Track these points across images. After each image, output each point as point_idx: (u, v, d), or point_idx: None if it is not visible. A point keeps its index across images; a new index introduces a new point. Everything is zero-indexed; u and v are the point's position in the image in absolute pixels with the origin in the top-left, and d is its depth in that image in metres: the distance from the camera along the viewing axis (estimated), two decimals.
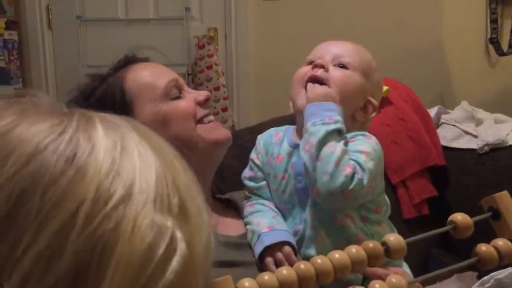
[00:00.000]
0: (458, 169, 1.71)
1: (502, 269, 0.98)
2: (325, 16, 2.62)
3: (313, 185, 0.93)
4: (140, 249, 0.33)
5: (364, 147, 0.96)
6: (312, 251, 0.99)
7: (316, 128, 0.94)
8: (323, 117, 0.94)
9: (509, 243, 0.60)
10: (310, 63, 1.05)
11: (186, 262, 0.35)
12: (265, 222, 1.01)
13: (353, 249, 0.53)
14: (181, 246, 0.35)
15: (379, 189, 1.00)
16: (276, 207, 1.06)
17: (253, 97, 2.75)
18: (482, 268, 0.60)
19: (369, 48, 1.11)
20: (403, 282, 0.56)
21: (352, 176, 0.91)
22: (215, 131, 1.05)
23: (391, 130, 1.64)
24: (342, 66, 1.03)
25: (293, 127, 1.09)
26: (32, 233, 0.32)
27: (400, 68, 2.35)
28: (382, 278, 0.60)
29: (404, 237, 1.02)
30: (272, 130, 1.12)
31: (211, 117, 1.08)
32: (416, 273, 1.05)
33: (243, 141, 1.45)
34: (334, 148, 0.92)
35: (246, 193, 1.10)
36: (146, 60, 1.12)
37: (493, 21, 2.53)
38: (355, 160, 0.93)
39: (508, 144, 1.67)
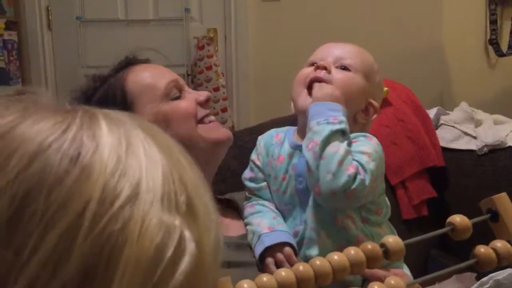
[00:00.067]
0: (457, 170, 1.72)
1: (501, 270, 0.98)
2: (325, 17, 2.63)
3: (315, 184, 0.94)
4: (149, 251, 0.32)
5: (366, 148, 0.96)
6: (312, 252, 0.99)
7: (320, 127, 0.94)
8: (328, 117, 0.95)
9: (507, 244, 0.60)
10: (312, 64, 1.06)
11: (195, 262, 0.34)
12: (265, 222, 1.01)
13: (352, 251, 0.53)
14: (190, 246, 0.34)
15: (379, 190, 1.00)
16: (277, 208, 1.06)
17: (252, 98, 2.75)
18: (480, 270, 0.60)
19: (369, 49, 1.11)
20: (401, 284, 0.56)
21: (355, 176, 0.91)
22: (215, 131, 1.06)
23: (390, 131, 1.64)
24: (344, 68, 1.03)
25: (294, 128, 1.10)
26: (37, 236, 0.30)
27: (400, 69, 2.35)
28: (382, 280, 0.60)
29: (403, 238, 1.02)
30: (272, 131, 1.13)
31: (212, 117, 1.08)
32: (415, 274, 1.05)
33: (243, 142, 1.45)
34: (338, 147, 0.92)
35: (247, 194, 1.10)
36: (146, 61, 1.12)
37: (493, 22, 2.54)
38: (357, 161, 0.93)
39: (507, 145, 1.68)
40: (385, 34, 2.57)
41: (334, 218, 0.98)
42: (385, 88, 1.57)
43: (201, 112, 1.05)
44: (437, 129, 1.81)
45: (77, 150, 0.34)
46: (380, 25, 2.59)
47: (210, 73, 2.57)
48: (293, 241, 0.99)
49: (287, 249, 0.96)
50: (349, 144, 0.95)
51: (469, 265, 0.60)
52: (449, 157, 1.73)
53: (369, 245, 0.55)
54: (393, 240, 0.56)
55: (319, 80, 1.02)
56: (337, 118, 0.95)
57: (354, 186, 0.91)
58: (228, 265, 0.93)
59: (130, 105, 1.01)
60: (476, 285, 1.07)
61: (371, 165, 0.94)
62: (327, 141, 0.93)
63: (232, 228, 1.06)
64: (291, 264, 0.94)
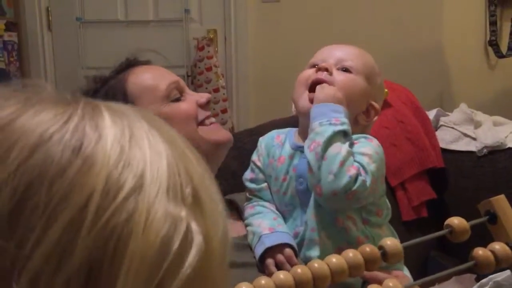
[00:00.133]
0: (457, 172, 1.72)
1: (500, 271, 0.98)
2: (325, 18, 2.63)
3: (317, 184, 0.94)
4: (155, 243, 0.31)
5: (367, 149, 0.97)
6: (312, 253, 1.00)
7: (323, 128, 0.94)
8: (330, 118, 0.95)
9: (506, 247, 0.60)
10: (313, 66, 1.06)
11: (203, 255, 0.33)
12: (266, 223, 1.01)
13: (350, 253, 0.53)
14: (197, 239, 0.33)
15: (380, 191, 1.01)
16: (277, 209, 1.07)
17: (252, 99, 2.75)
18: (479, 272, 0.60)
19: (369, 51, 1.11)
20: (399, 286, 0.56)
21: (356, 177, 0.91)
22: (216, 132, 1.06)
23: (390, 133, 1.64)
24: (346, 69, 1.04)
25: (295, 129, 1.10)
26: (40, 229, 0.30)
27: (400, 70, 2.36)
28: (381, 282, 0.60)
29: (403, 239, 1.02)
30: (273, 132, 1.13)
31: (212, 119, 1.08)
32: (415, 275, 1.05)
33: (243, 143, 1.45)
34: (340, 148, 0.92)
35: (247, 194, 1.11)
36: (147, 63, 1.13)
37: (492, 23, 2.54)
38: (358, 162, 0.94)
39: (507, 146, 1.68)
40: (385, 35, 2.58)
41: (335, 219, 0.98)
42: (385, 90, 1.57)
43: (202, 114, 1.05)
44: (436, 130, 1.81)
45: (79, 140, 0.33)
46: (380, 26, 2.59)
47: (210, 74, 2.57)
48: (294, 242, 0.99)
49: (288, 250, 0.97)
50: (351, 146, 0.96)
51: (467, 267, 0.60)
52: (449, 159, 1.73)
53: (367, 248, 0.55)
54: (391, 242, 0.56)
55: (321, 81, 1.02)
56: (339, 119, 0.95)
57: (355, 187, 0.91)
58: (228, 265, 0.93)
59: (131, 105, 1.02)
60: (475, 286, 1.07)
61: (372, 167, 0.94)
62: (329, 142, 0.93)
63: (233, 229, 1.06)
64: (292, 265, 0.95)
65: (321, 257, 0.96)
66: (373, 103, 1.05)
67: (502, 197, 0.64)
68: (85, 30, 2.76)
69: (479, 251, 0.60)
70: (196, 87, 2.55)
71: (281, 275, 0.49)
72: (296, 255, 0.98)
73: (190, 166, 0.36)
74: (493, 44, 2.53)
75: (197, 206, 0.35)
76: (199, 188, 0.35)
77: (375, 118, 1.07)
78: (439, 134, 1.78)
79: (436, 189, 1.70)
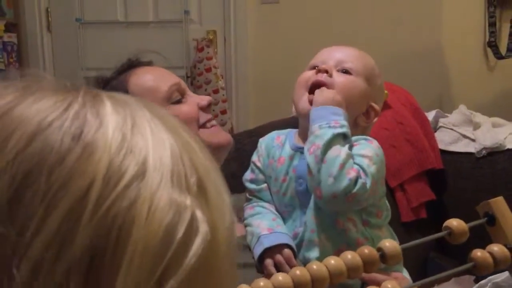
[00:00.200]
0: (456, 173, 1.72)
1: (499, 272, 0.98)
2: (324, 19, 2.63)
3: (317, 187, 0.94)
4: (159, 231, 0.31)
5: (367, 151, 0.97)
6: (312, 254, 1.00)
7: (322, 131, 0.95)
8: (330, 121, 0.95)
9: (504, 248, 0.60)
10: (313, 68, 1.06)
11: (208, 245, 0.32)
12: (265, 224, 1.02)
13: (349, 255, 0.53)
14: (202, 227, 0.32)
15: (380, 193, 1.01)
16: (277, 210, 1.07)
17: (252, 100, 2.75)
18: (478, 274, 0.61)
19: (368, 52, 1.11)
20: None
21: (356, 180, 0.92)
22: (217, 135, 1.06)
23: (389, 134, 1.64)
24: (345, 71, 1.04)
25: (295, 130, 1.10)
26: (40, 217, 0.29)
27: (399, 71, 2.36)
28: (380, 284, 0.60)
29: (402, 240, 1.03)
30: (274, 133, 1.13)
31: (213, 122, 1.08)
32: (414, 277, 1.06)
33: (242, 144, 1.46)
34: (339, 151, 0.93)
35: (247, 195, 1.11)
36: (149, 63, 1.13)
37: (492, 24, 2.54)
38: (358, 164, 0.94)
39: (506, 148, 1.68)
40: (384, 36, 2.58)
41: (335, 221, 0.99)
42: (385, 91, 1.57)
43: (203, 117, 1.06)
44: (435, 131, 1.81)
45: (79, 128, 0.32)
46: (379, 27, 2.59)
47: (209, 75, 2.57)
48: (292, 243, 0.99)
49: (286, 251, 0.97)
50: (350, 148, 0.96)
51: (466, 269, 0.60)
52: (448, 160, 1.73)
53: (366, 250, 0.55)
54: (390, 244, 0.56)
55: (320, 83, 1.02)
56: (339, 122, 0.95)
57: (355, 189, 0.91)
58: None
59: None
60: (475, 287, 1.07)
61: (372, 169, 0.94)
62: (328, 145, 0.93)
63: None
64: (290, 266, 0.95)
65: (321, 258, 0.97)
66: (373, 104, 1.05)
67: (500, 199, 0.64)
68: (85, 31, 2.75)
69: (478, 253, 0.60)
70: (195, 88, 2.55)
71: (280, 277, 0.49)
72: (295, 255, 0.98)
73: (194, 156, 0.36)
74: (492, 45, 2.53)
75: (203, 196, 0.34)
76: (204, 178, 0.35)
77: (375, 119, 1.07)
78: (438, 135, 1.79)
79: (435, 190, 1.70)
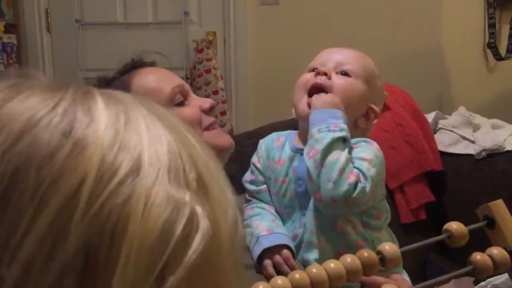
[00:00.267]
0: (456, 175, 1.72)
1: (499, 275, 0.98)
2: (324, 20, 2.63)
3: (316, 191, 0.94)
4: (155, 228, 0.30)
5: (366, 154, 0.97)
6: (310, 255, 1.00)
7: (321, 135, 0.94)
8: (329, 124, 0.95)
9: (504, 251, 0.60)
10: (313, 70, 1.06)
11: (210, 240, 0.31)
12: (264, 225, 1.02)
13: (348, 258, 0.53)
14: (203, 223, 0.31)
15: (380, 195, 1.01)
16: (276, 211, 1.07)
17: (251, 101, 2.75)
18: (478, 277, 0.61)
19: (368, 53, 1.11)
20: None
21: (355, 184, 0.91)
22: (219, 137, 1.06)
23: (389, 136, 1.64)
24: (345, 73, 1.04)
25: (295, 132, 1.10)
26: (30, 216, 0.28)
27: (399, 72, 2.36)
28: (380, 286, 0.60)
29: (402, 242, 1.03)
30: (274, 135, 1.13)
31: (216, 125, 1.09)
32: (414, 278, 1.06)
33: (242, 146, 1.46)
34: (339, 156, 0.92)
35: (247, 196, 1.11)
36: (152, 64, 1.13)
37: (491, 26, 2.54)
38: (358, 168, 0.94)
39: (505, 149, 1.68)
40: (384, 37, 2.58)
41: (334, 223, 0.99)
42: (384, 93, 1.57)
43: (207, 120, 1.05)
44: (435, 133, 1.82)
45: (69, 124, 0.31)
46: (379, 28, 2.59)
47: (209, 76, 2.57)
48: (292, 244, 1.00)
49: (285, 252, 0.97)
50: (350, 151, 0.96)
51: (466, 272, 0.60)
52: (447, 162, 1.73)
53: (366, 253, 0.55)
54: (389, 247, 0.56)
55: (319, 86, 1.02)
56: (338, 125, 0.95)
57: (354, 194, 0.91)
58: None
59: None
60: None
61: (371, 172, 0.94)
62: (328, 149, 0.93)
63: None
64: (289, 267, 0.95)
65: (320, 260, 0.97)
66: (373, 106, 1.05)
67: (500, 202, 0.64)
68: (84, 32, 2.76)
69: (477, 256, 0.60)
70: (195, 89, 2.55)
71: (279, 280, 0.49)
72: (294, 256, 0.98)
73: (194, 152, 0.35)
74: (492, 46, 2.53)
75: (203, 192, 0.33)
76: (204, 174, 0.34)
77: (375, 121, 1.07)
78: (438, 137, 1.79)
79: (435, 192, 1.70)
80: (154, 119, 0.35)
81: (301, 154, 1.02)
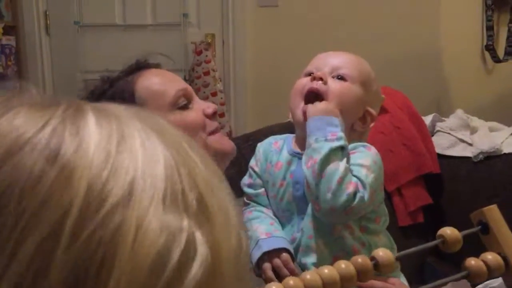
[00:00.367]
0: (453, 177, 1.72)
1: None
2: (322, 23, 2.63)
3: (315, 201, 0.94)
4: (147, 259, 0.28)
5: (365, 160, 0.96)
6: (308, 260, 1.00)
7: (319, 144, 0.94)
8: (326, 133, 0.95)
9: (498, 257, 0.60)
10: (309, 74, 1.05)
11: (209, 267, 0.29)
12: (263, 228, 1.02)
13: (342, 264, 0.54)
14: (201, 250, 0.29)
15: (379, 199, 1.01)
16: (274, 214, 1.07)
17: (250, 103, 2.75)
18: (472, 282, 0.61)
19: (366, 55, 1.11)
20: None
21: (355, 194, 0.91)
22: (223, 142, 1.06)
23: (387, 138, 1.65)
24: (341, 78, 1.03)
25: (292, 135, 1.10)
26: (10, 249, 0.27)
27: (397, 75, 2.36)
28: None
29: (399, 244, 1.03)
30: (271, 138, 1.13)
31: (219, 130, 1.09)
32: (412, 281, 1.06)
33: (240, 148, 1.45)
34: (337, 166, 0.92)
35: (245, 199, 1.11)
36: (157, 66, 1.12)
37: (489, 28, 2.55)
38: (356, 176, 0.94)
39: (503, 152, 1.68)
40: (382, 40, 2.58)
41: (332, 228, 0.99)
42: (381, 96, 1.58)
43: (211, 125, 1.05)
44: (433, 136, 1.82)
45: (55, 147, 0.29)
46: (377, 31, 2.60)
47: (207, 78, 2.57)
48: (290, 247, 1.00)
49: (284, 255, 0.97)
50: (348, 158, 0.95)
51: (461, 277, 0.61)
52: (445, 164, 1.73)
53: (360, 259, 0.55)
54: (383, 253, 0.56)
55: (315, 91, 1.02)
56: (336, 134, 0.95)
57: (353, 204, 0.91)
58: None
59: None
60: None
61: (370, 179, 0.94)
62: (326, 160, 0.92)
63: None
64: (289, 270, 0.96)
65: (318, 264, 0.97)
66: (370, 109, 1.05)
67: (494, 207, 0.64)
68: (83, 34, 2.76)
69: (472, 261, 0.60)
70: (194, 91, 2.55)
71: (274, 286, 0.49)
72: (293, 260, 0.99)
73: (195, 170, 0.32)
74: (490, 48, 2.54)
75: (203, 213, 0.31)
76: (205, 194, 0.32)
77: (372, 124, 1.07)
78: (436, 139, 1.79)
79: (432, 194, 1.70)
80: (151, 135, 0.33)
81: (299, 158, 1.02)
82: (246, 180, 1.12)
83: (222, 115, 2.57)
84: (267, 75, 2.69)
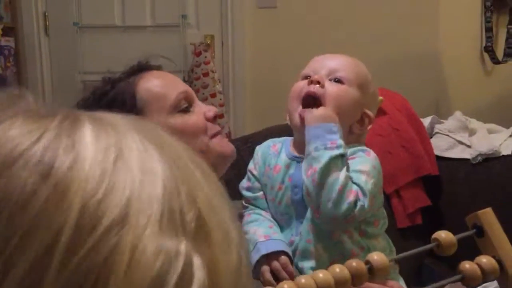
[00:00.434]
0: (452, 179, 1.72)
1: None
2: (321, 24, 2.64)
3: (316, 210, 0.94)
4: (142, 284, 0.26)
5: (364, 166, 0.96)
6: (306, 263, 1.00)
7: (318, 153, 0.94)
8: (325, 141, 0.94)
9: (492, 260, 0.60)
10: (306, 77, 1.05)
11: None
12: (261, 231, 1.02)
13: (337, 268, 0.54)
14: (199, 274, 0.28)
15: (378, 203, 1.01)
16: (273, 217, 1.07)
17: (249, 104, 2.75)
18: (467, 286, 0.61)
19: (364, 57, 1.11)
20: None
21: (355, 203, 0.91)
22: (225, 145, 1.06)
23: (385, 140, 1.65)
24: (338, 80, 1.03)
25: (290, 138, 1.10)
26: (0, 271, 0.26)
27: (395, 76, 2.36)
28: None
29: (398, 246, 1.03)
30: (270, 141, 1.13)
31: (220, 132, 1.09)
32: (409, 282, 1.06)
33: (239, 150, 1.45)
34: (338, 175, 0.92)
35: (243, 203, 1.11)
36: (159, 68, 1.12)
37: (488, 29, 2.55)
38: (356, 183, 0.93)
39: (501, 154, 1.69)
40: (381, 41, 2.58)
41: (331, 233, 0.99)
42: (380, 97, 1.58)
43: (213, 128, 1.05)
44: (431, 137, 1.82)
45: (50, 162, 0.28)
46: (376, 33, 2.60)
47: (207, 79, 2.57)
48: (289, 250, 1.00)
49: (283, 258, 0.97)
50: (348, 167, 0.95)
51: (455, 280, 0.61)
52: (444, 166, 1.73)
53: (354, 263, 0.55)
54: (378, 257, 0.56)
55: (312, 95, 1.02)
56: (335, 141, 0.94)
57: (354, 212, 0.91)
58: None
59: (139, 111, 1.01)
60: None
61: (369, 185, 0.94)
62: (326, 169, 0.92)
63: None
64: (287, 273, 0.96)
65: (316, 268, 0.97)
66: (367, 111, 1.05)
67: (489, 210, 0.64)
68: (82, 35, 2.76)
69: (466, 265, 0.60)
70: None
71: None
72: (292, 263, 0.99)
73: (195, 187, 0.31)
74: (489, 50, 2.54)
75: (202, 234, 0.30)
76: (206, 214, 0.30)
77: (370, 126, 1.06)
78: (434, 141, 1.79)
79: (431, 196, 1.70)
80: (150, 149, 0.31)
81: (298, 161, 1.02)
82: (244, 183, 1.12)
83: (221, 116, 2.57)
84: (266, 76, 2.69)
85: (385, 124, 1.67)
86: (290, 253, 0.99)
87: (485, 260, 0.60)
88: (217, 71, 2.62)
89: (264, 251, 0.98)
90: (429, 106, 2.52)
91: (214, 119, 1.07)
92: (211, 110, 1.07)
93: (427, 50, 2.61)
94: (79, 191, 0.27)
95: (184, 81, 2.63)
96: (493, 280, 0.63)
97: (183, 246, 0.28)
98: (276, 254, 0.98)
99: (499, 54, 2.51)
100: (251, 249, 1.00)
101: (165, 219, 0.28)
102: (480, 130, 1.77)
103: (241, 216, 1.10)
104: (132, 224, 0.27)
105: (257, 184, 1.10)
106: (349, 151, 0.98)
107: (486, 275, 0.59)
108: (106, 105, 1.02)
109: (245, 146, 1.50)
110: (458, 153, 1.74)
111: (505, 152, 1.69)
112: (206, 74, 2.57)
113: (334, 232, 0.98)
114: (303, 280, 0.51)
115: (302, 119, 1.01)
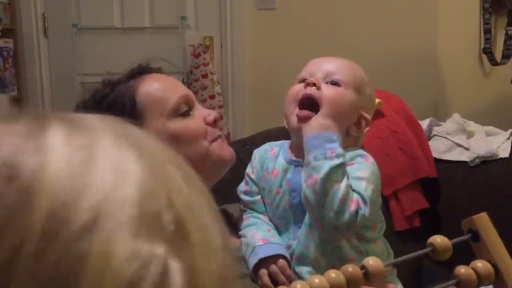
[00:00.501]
0: (450, 181, 1.72)
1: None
2: (320, 25, 2.64)
3: (317, 220, 0.94)
4: None
5: (363, 172, 0.96)
6: (303, 268, 1.00)
7: (318, 163, 0.93)
8: (325, 151, 0.94)
9: (488, 264, 0.61)
10: (302, 80, 1.05)
11: None
12: (259, 235, 1.02)
13: (333, 273, 0.54)
14: (176, 279, 0.27)
15: (377, 207, 1.01)
16: (271, 221, 1.07)
17: (248, 106, 2.76)
18: None
19: (363, 59, 1.11)
20: None
21: (356, 212, 0.91)
22: (223, 149, 1.06)
23: (383, 143, 1.65)
24: (334, 83, 1.03)
25: (288, 141, 1.10)
26: None
27: (394, 78, 2.37)
28: None
29: (396, 249, 1.03)
30: (267, 145, 1.13)
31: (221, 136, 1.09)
32: (408, 286, 1.06)
33: (237, 153, 1.45)
34: (339, 185, 0.92)
35: (241, 206, 1.11)
36: (159, 70, 1.12)
37: (487, 31, 2.55)
38: (356, 191, 0.93)
39: (499, 156, 1.69)
40: (379, 43, 2.59)
41: (329, 238, 0.99)
42: (378, 100, 1.58)
43: (214, 132, 1.05)
44: (429, 140, 1.82)
45: (14, 167, 0.26)
46: (374, 34, 2.60)
47: (206, 81, 2.58)
48: (287, 254, 0.99)
49: (281, 261, 0.97)
50: (347, 176, 0.95)
51: (451, 285, 0.61)
52: (442, 168, 1.73)
53: (350, 268, 0.55)
54: (373, 262, 0.57)
55: (309, 97, 1.02)
56: (335, 151, 0.94)
57: (356, 221, 0.91)
58: None
59: (139, 114, 1.01)
60: None
61: (369, 192, 0.94)
62: (327, 179, 0.92)
63: None
64: (286, 276, 0.95)
65: (313, 273, 0.97)
66: (364, 114, 1.05)
67: (484, 215, 0.65)
68: (81, 36, 2.76)
69: (461, 269, 0.60)
70: None
71: None
72: (290, 266, 0.99)
73: (174, 189, 0.30)
74: (488, 51, 2.54)
75: (180, 237, 0.29)
76: (185, 216, 0.29)
77: (367, 129, 1.07)
78: (432, 143, 1.79)
79: (429, 198, 1.70)
80: (126, 151, 0.30)
81: (295, 165, 1.02)
82: (242, 187, 1.12)
83: (220, 118, 2.57)
84: (265, 77, 2.69)
85: (383, 126, 1.67)
86: (289, 257, 0.99)
87: (480, 264, 0.60)
88: (216, 72, 2.62)
89: (262, 254, 0.98)
90: (427, 108, 2.53)
91: (214, 123, 1.06)
92: (211, 114, 1.07)
93: (426, 52, 2.62)
94: (46, 197, 0.26)
95: (183, 82, 2.65)
96: (488, 285, 0.63)
97: (159, 250, 0.27)
98: (274, 258, 0.97)
99: (498, 56, 2.52)
100: (249, 253, 1.00)
101: (140, 222, 0.27)
102: (478, 132, 1.77)
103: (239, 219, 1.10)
104: (103, 229, 0.26)
105: (255, 188, 1.09)
106: (347, 156, 0.97)
107: (481, 280, 0.60)
108: (106, 107, 1.02)
109: (244, 149, 1.50)
110: (456, 155, 1.74)
111: (502, 154, 1.69)
112: (205, 76, 2.57)
113: (332, 237, 0.98)
114: (298, 286, 0.51)
115: (299, 120, 1.01)
